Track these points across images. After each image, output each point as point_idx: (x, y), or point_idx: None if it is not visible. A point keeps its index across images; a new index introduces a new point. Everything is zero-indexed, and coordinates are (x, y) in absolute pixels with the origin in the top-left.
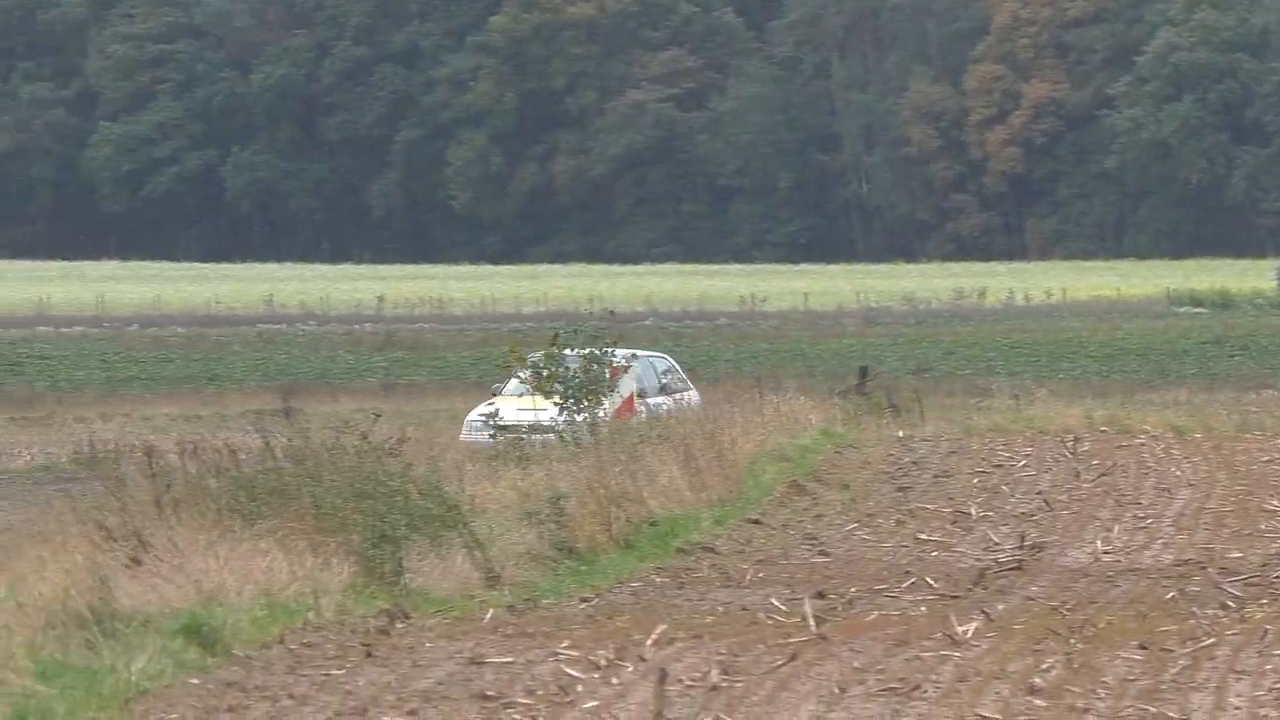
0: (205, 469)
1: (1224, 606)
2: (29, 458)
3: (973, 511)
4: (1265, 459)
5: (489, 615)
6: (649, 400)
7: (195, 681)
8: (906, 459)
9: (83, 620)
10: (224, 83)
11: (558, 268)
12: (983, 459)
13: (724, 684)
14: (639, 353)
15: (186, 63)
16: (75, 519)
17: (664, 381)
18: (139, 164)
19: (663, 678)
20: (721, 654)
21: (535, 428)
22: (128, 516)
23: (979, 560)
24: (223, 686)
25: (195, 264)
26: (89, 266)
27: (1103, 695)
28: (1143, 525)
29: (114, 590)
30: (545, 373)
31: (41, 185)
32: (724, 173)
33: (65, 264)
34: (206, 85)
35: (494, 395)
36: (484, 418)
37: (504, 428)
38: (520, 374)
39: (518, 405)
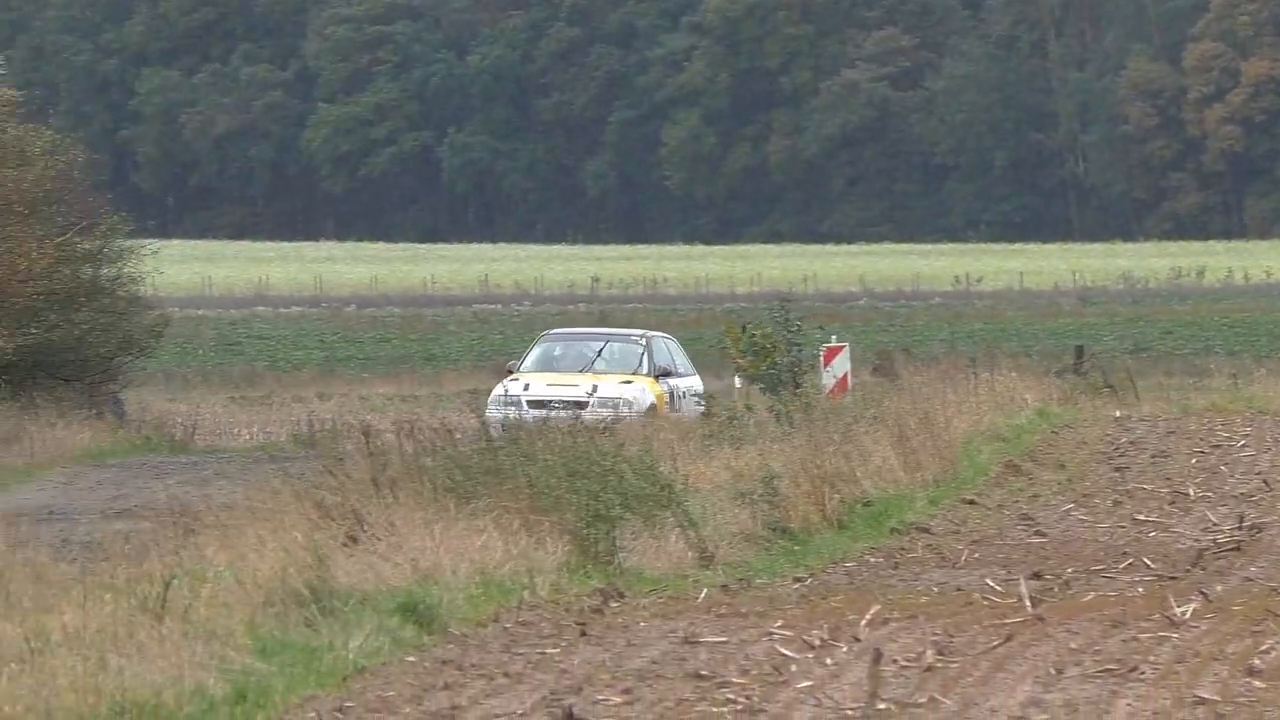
0: (421, 448)
1: None
2: (249, 436)
3: (1190, 492)
4: None
5: (702, 595)
6: (672, 382)
7: (412, 659)
8: (1123, 439)
9: (301, 598)
10: (440, 64)
11: (771, 248)
12: (1200, 439)
13: (939, 665)
14: (649, 334)
15: (404, 44)
16: (294, 498)
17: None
18: (356, 145)
19: (877, 658)
20: (936, 635)
21: (569, 404)
22: (345, 495)
23: (1197, 541)
24: (439, 664)
25: (411, 244)
26: (307, 247)
27: None
28: None
29: (332, 568)
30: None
31: (260, 167)
32: (938, 151)
33: (284, 245)
34: (423, 66)
35: (509, 372)
36: (511, 396)
37: (538, 404)
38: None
39: (548, 381)
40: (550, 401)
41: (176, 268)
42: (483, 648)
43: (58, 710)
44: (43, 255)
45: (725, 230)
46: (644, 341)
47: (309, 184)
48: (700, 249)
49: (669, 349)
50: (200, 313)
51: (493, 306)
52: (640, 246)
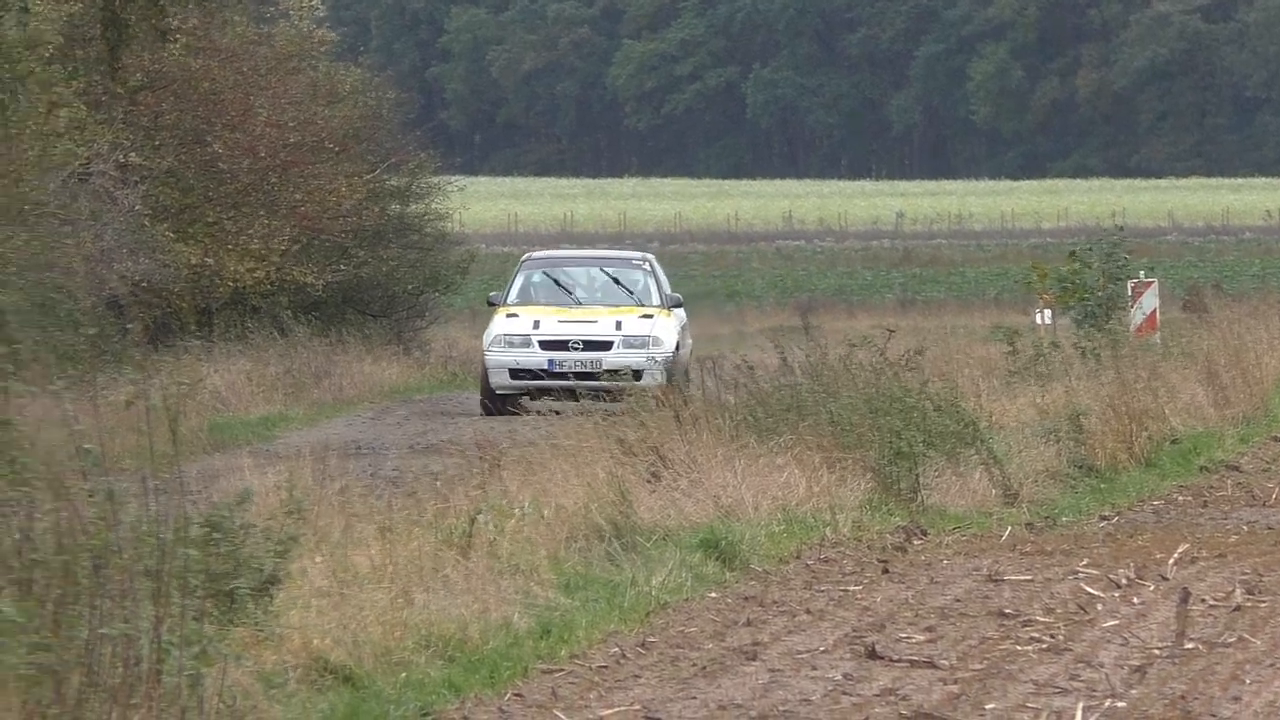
0: (723, 385)
1: None
2: None
3: None
4: None
5: (1006, 533)
6: (682, 315)
7: (713, 595)
8: None
9: (604, 533)
10: (746, 0)
11: (1078, 183)
12: None
13: (1248, 604)
14: (646, 255)
15: None
16: (597, 434)
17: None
18: (661, 81)
19: (1185, 597)
20: (1245, 574)
21: (591, 344)
22: (647, 432)
23: None
24: (740, 600)
25: (715, 181)
26: (611, 184)
27: None
28: None
29: (634, 504)
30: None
31: (566, 103)
32: (1250, 85)
33: (589, 181)
34: (729, 2)
35: (492, 306)
36: (515, 336)
37: (552, 344)
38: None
39: (560, 316)
40: (569, 341)
41: (482, 204)
42: (784, 584)
43: (365, 643)
44: (352, 192)
45: (1031, 165)
46: (647, 265)
47: (613, 121)
48: (1006, 184)
49: (662, 272)
50: (506, 249)
51: (796, 243)
52: (945, 182)
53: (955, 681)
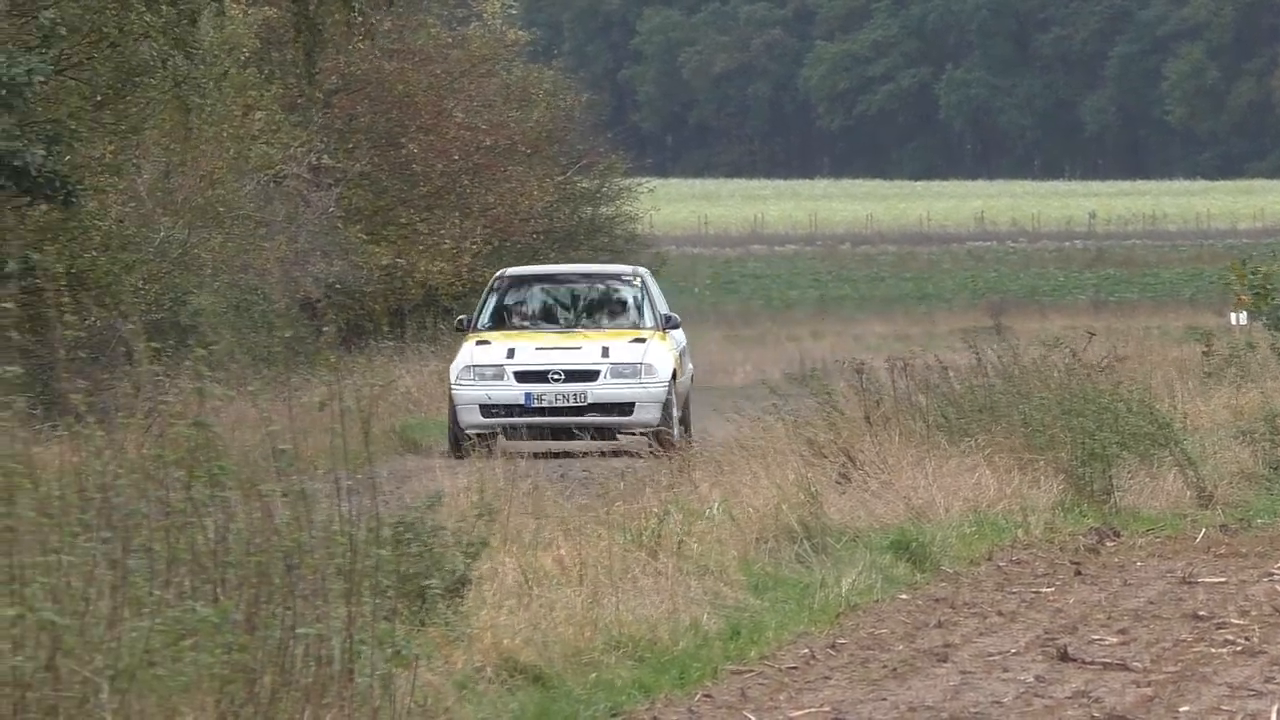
0: (914, 386)
1: None
2: (743, 374)
3: None
4: None
5: (1201, 535)
6: (679, 337)
7: (904, 597)
8: None
9: (794, 534)
10: (939, 0)
11: (1275, 183)
12: None
13: None
14: (638, 269)
15: None
16: (787, 435)
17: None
18: (853, 82)
19: None
20: None
21: (574, 375)
22: (837, 433)
23: None
24: (931, 602)
25: (907, 181)
26: (803, 185)
27: None
28: None
29: (824, 505)
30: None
31: (758, 105)
32: None
33: (780, 183)
34: (921, 3)
35: (462, 330)
36: (487, 366)
37: (530, 376)
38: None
39: (537, 343)
40: (548, 372)
41: (674, 206)
42: (976, 586)
43: (554, 643)
44: (543, 194)
45: (1227, 165)
46: (639, 280)
47: (805, 122)
48: (1201, 184)
49: (657, 289)
50: (696, 251)
51: (988, 244)
52: (1140, 182)
53: (1148, 684)
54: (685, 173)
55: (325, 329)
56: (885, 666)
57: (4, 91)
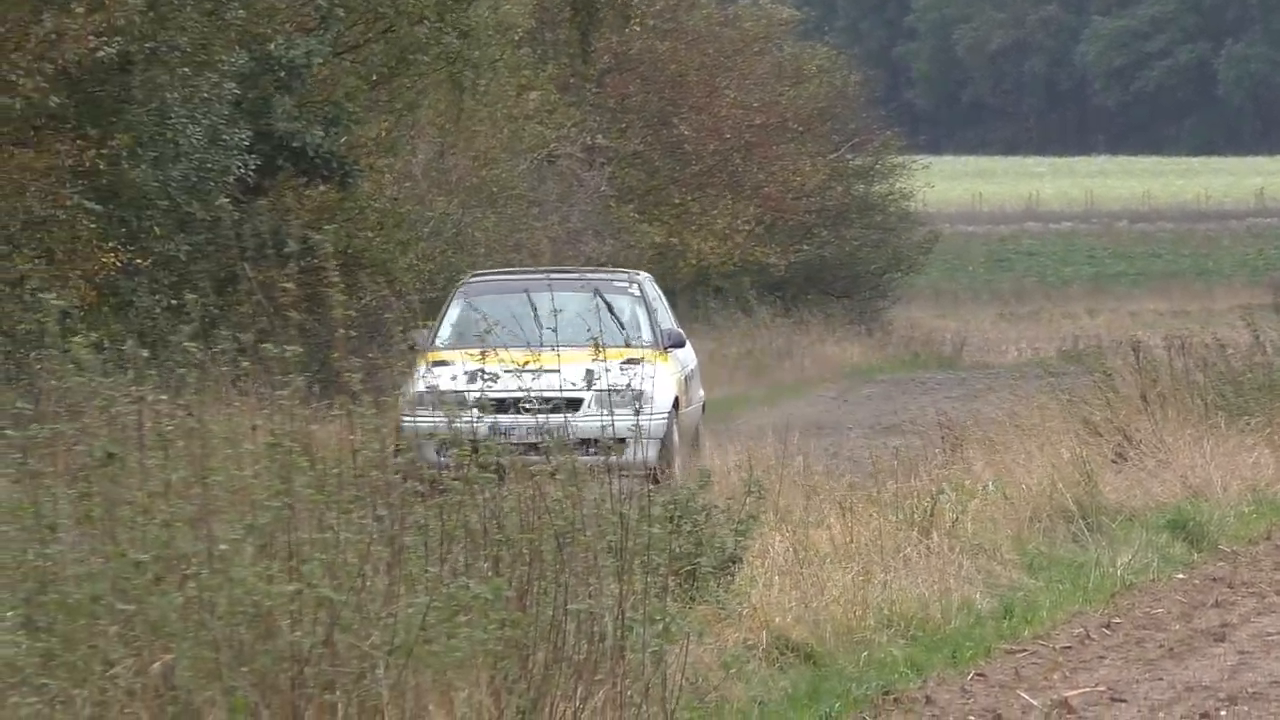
0: (1192, 364)
1: None
2: (1016, 353)
3: None
4: None
5: None
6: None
7: (1180, 576)
8: None
9: (1068, 514)
10: None
11: None
12: None
13: None
14: (634, 273)
15: None
16: (1061, 414)
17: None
18: (1130, 58)
19: None
20: None
21: (550, 403)
22: (1113, 412)
23: None
24: (1208, 581)
25: (1184, 158)
26: (1078, 162)
27: None
28: None
29: (1099, 485)
30: None
31: (1033, 81)
32: None
33: (1055, 160)
34: None
35: (416, 350)
36: (443, 394)
37: (496, 405)
38: None
39: (507, 366)
40: (520, 400)
41: (947, 184)
42: (1254, 565)
43: (825, 620)
44: (815, 172)
45: None
46: (635, 287)
47: (1081, 98)
48: None
49: (658, 297)
50: (970, 229)
51: (1268, 220)
52: None
53: None
54: (959, 150)
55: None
56: (1161, 646)
57: (283, 74)
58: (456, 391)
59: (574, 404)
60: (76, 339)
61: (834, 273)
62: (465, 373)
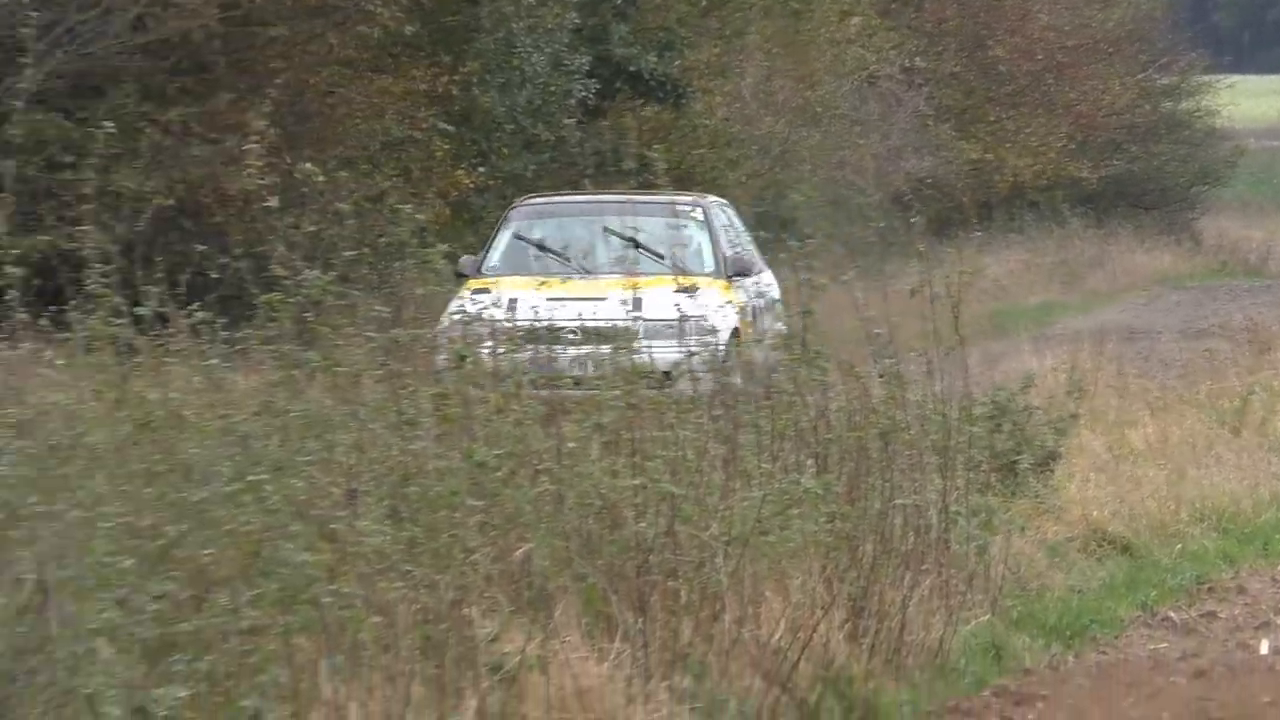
0: None
1: None
2: None
3: None
4: None
5: None
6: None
7: None
8: None
9: None
10: None
11: None
12: None
13: None
14: (700, 197)
15: None
16: None
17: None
18: None
19: None
20: None
21: (595, 334)
22: None
23: None
24: None
25: None
26: None
27: None
28: None
29: None
30: None
31: None
32: None
33: None
34: None
35: (463, 277)
36: (482, 322)
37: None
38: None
39: (549, 293)
40: (561, 330)
41: (1252, 101)
42: None
43: (1140, 516)
44: (1124, 91)
45: None
46: (699, 211)
47: None
48: None
49: (733, 222)
50: (1275, 144)
51: None
52: None
53: None
54: (1262, 69)
55: (915, 220)
56: None
57: (620, 2)
58: (491, 320)
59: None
60: (432, 250)
61: (1143, 186)
62: (510, 303)
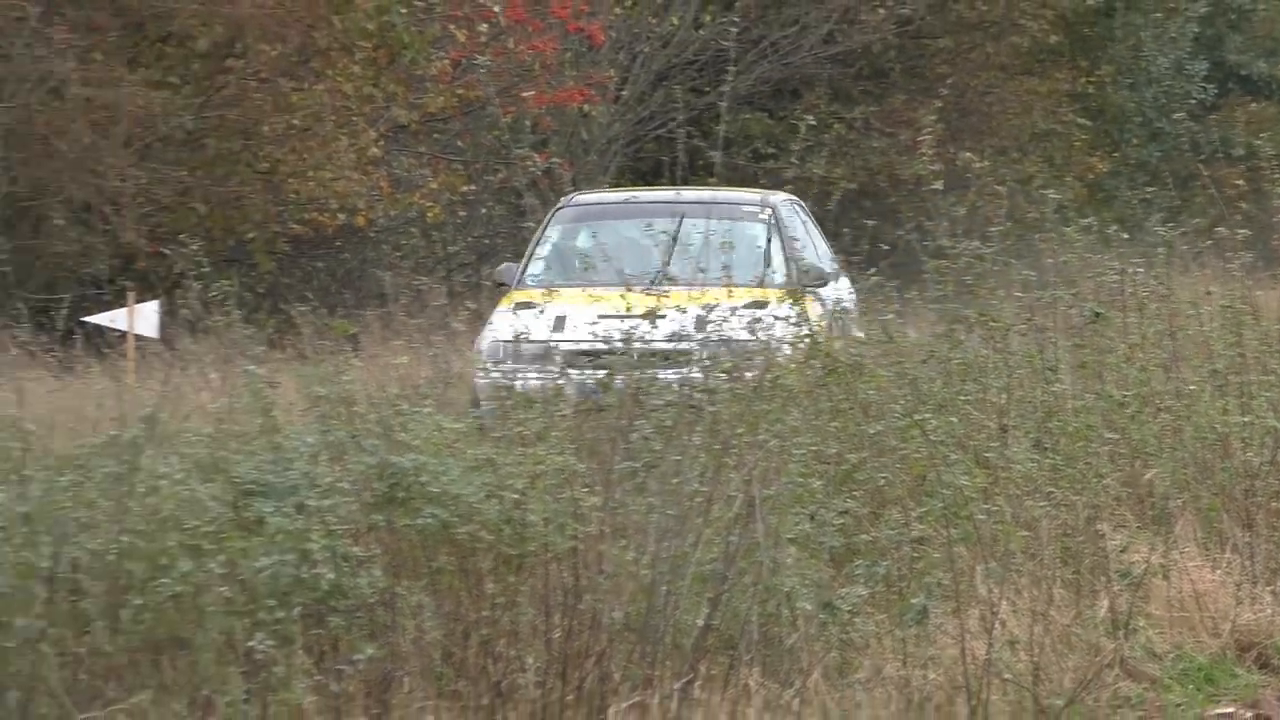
0: None
1: None
2: None
3: None
4: None
5: None
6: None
7: None
8: None
9: None
10: None
11: None
12: None
13: None
14: (769, 195)
15: None
16: None
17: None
18: None
19: None
20: None
21: (655, 356)
22: None
23: None
24: None
25: None
26: None
27: None
28: None
29: None
30: None
31: None
32: None
33: None
34: None
35: (503, 287)
36: (528, 344)
37: (587, 355)
38: None
39: (600, 309)
40: (614, 353)
41: None
42: None
43: None
44: None
45: None
46: (767, 214)
47: None
48: None
49: (804, 224)
50: None
51: None
52: None
53: None
54: None
55: None
56: None
57: (1234, 16)
58: (539, 342)
59: (679, 359)
60: (1070, 226)
61: None
62: (555, 321)
